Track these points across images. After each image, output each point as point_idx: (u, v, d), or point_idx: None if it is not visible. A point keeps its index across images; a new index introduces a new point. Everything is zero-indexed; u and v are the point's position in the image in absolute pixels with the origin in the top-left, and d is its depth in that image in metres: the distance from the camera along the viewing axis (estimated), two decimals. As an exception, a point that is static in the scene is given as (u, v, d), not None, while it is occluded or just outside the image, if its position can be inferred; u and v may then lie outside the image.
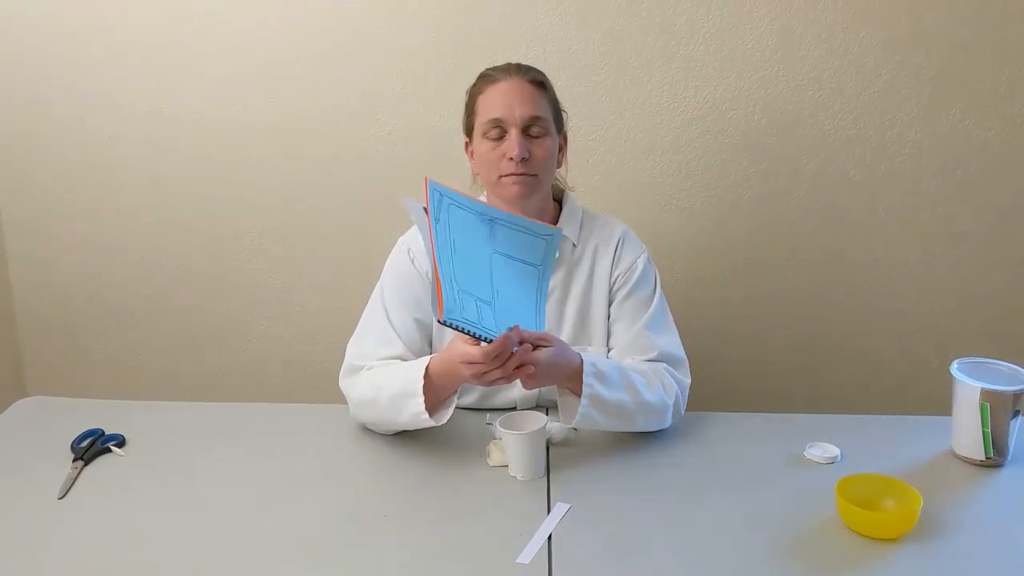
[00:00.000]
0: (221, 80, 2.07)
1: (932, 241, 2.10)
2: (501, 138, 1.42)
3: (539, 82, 1.46)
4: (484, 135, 1.44)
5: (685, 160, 2.06)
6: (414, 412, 1.32)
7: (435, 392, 1.33)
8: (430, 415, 1.32)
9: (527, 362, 1.25)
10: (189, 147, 2.12)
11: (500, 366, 1.23)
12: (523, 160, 1.40)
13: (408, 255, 1.52)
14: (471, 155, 1.51)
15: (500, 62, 1.50)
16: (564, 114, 1.52)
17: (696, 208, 2.09)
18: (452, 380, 1.32)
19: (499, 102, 1.42)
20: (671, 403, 1.42)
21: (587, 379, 1.32)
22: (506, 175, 1.42)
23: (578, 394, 1.33)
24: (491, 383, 1.26)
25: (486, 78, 1.47)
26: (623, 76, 2.01)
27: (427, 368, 1.33)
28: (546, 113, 1.45)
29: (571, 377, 1.33)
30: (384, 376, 1.39)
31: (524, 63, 1.49)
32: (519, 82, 1.44)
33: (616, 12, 1.97)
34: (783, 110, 2.02)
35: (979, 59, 1.97)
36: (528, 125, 1.42)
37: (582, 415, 1.33)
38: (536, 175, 1.42)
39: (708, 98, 2.02)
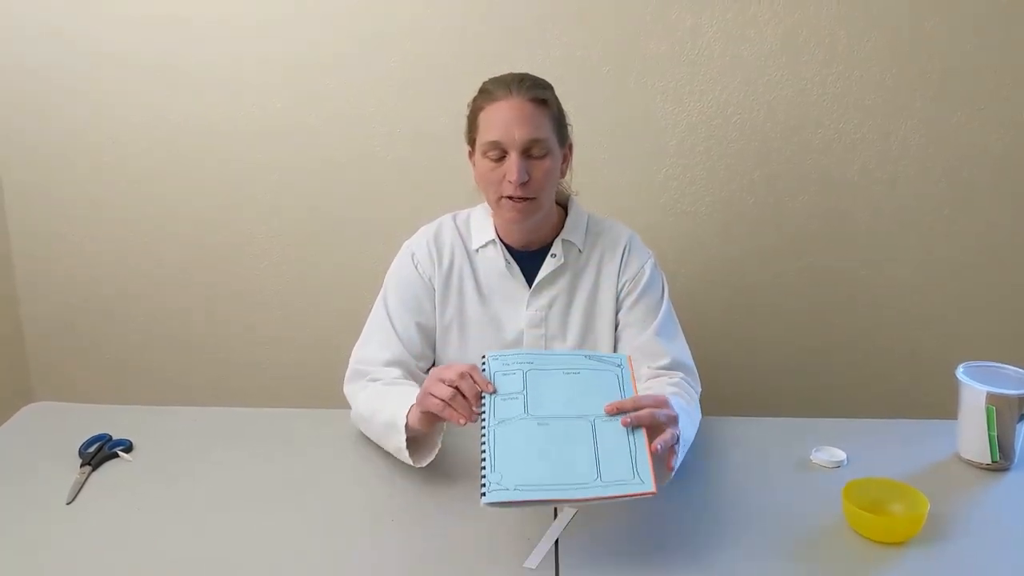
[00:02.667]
0: (225, 85, 2.08)
1: (937, 244, 2.10)
2: (501, 159, 1.40)
3: (540, 99, 1.40)
4: (484, 155, 1.42)
5: (690, 164, 2.06)
6: (397, 446, 1.31)
7: (415, 428, 1.29)
8: (410, 453, 1.29)
9: (666, 426, 1.17)
10: (193, 152, 2.13)
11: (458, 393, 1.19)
12: (522, 184, 1.38)
13: (412, 260, 1.52)
14: (474, 164, 1.51)
15: (504, 67, 1.49)
16: (569, 126, 1.49)
17: (701, 212, 2.10)
18: (423, 418, 1.26)
19: (498, 124, 1.39)
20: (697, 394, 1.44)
21: (681, 423, 1.23)
22: (506, 197, 1.41)
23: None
24: (443, 406, 1.20)
25: (486, 94, 1.43)
26: (627, 81, 2.01)
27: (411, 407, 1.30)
28: (547, 133, 1.40)
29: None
30: (381, 399, 1.37)
31: (528, 73, 1.44)
32: (519, 102, 1.39)
33: (620, 17, 1.97)
34: (787, 114, 2.02)
35: (982, 63, 1.97)
36: (528, 147, 1.39)
37: (678, 461, 1.24)
38: (535, 198, 1.41)
39: (712, 102, 2.02)
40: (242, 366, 2.29)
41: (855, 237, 2.10)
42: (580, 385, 1.20)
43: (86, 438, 1.41)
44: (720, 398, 2.04)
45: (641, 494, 1.10)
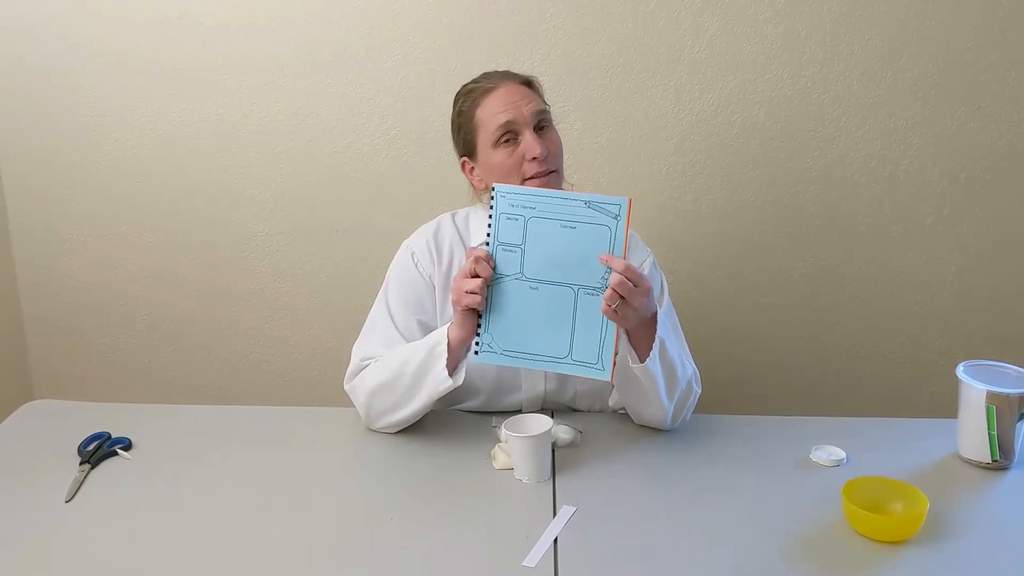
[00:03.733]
0: (225, 85, 2.08)
1: (938, 243, 2.09)
2: (513, 143, 1.42)
3: (529, 83, 1.49)
4: (496, 144, 1.42)
5: (690, 163, 2.06)
6: (436, 376, 1.34)
7: (453, 350, 1.34)
8: (450, 374, 1.34)
9: (639, 281, 1.25)
10: (193, 152, 2.13)
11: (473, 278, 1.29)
12: (544, 158, 1.41)
13: (412, 259, 1.52)
14: (471, 172, 1.51)
15: (504, 67, 1.51)
16: (549, 106, 1.52)
17: (701, 211, 2.09)
18: (463, 319, 1.33)
19: (504, 107, 1.42)
20: (694, 394, 1.45)
21: (661, 321, 1.33)
22: (530, 178, 1.42)
23: (643, 344, 1.33)
24: (463, 294, 1.29)
25: (477, 90, 1.46)
26: (628, 79, 2.01)
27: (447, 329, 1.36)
28: (546, 106, 1.47)
29: (649, 322, 1.33)
30: (405, 352, 1.40)
31: (511, 70, 1.50)
32: (514, 85, 1.45)
33: (620, 15, 1.97)
34: (788, 113, 2.02)
35: (984, 61, 1.97)
36: (538, 121, 1.43)
37: (651, 359, 1.32)
38: (556, 171, 1.44)
39: (713, 101, 2.02)
40: (242, 366, 2.29)
41: (855, 236, 2.10)
42: (574, 244, 1.29)
43: (85, 436, 1.41)
44: (719, 397, 2.04)
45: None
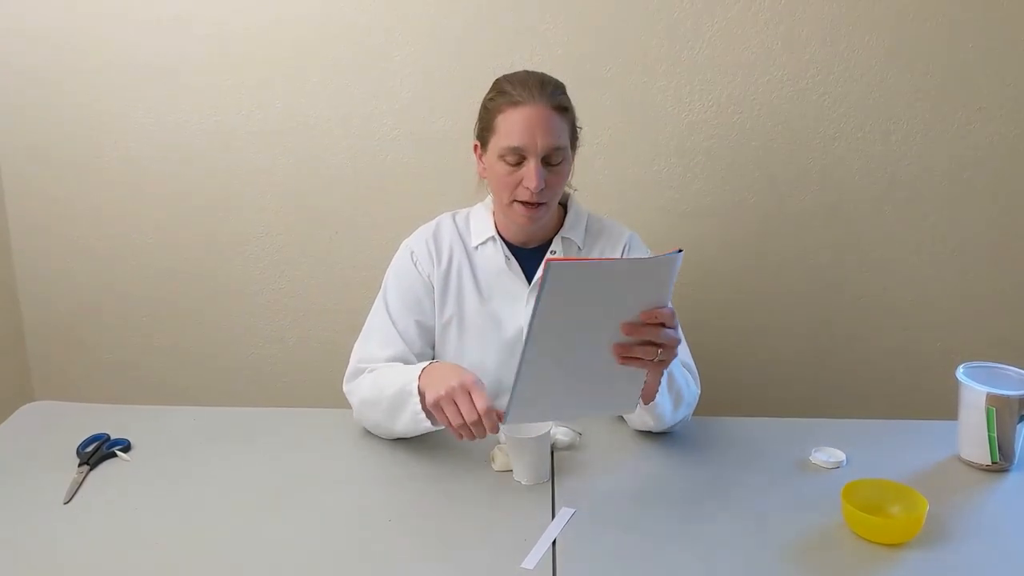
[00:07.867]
0: (225, 85, 2.08)
1: (938, 245, 2.09)
2: (518, 164, 1.39)
3: (562, 107, 1.41)
4: (501, 158, 1.40)
5: (690, 164, 2.06)
6: (413, 413, 1.31)
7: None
8: (427, 415, 1.30)
9: (669, 343, 1.18)
10: (193, 152, 2.13)
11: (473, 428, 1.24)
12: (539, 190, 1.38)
13: (411, 258, 1.52)
14: (480, 158, 1.48)
15: (505, 67, 1.49)
16: (579, 129, 1.48)
17: (701, 212, 2.09)
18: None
19: (520, 130, 1.37)
20: (695, 396, 1.43)
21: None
22: (519, 202, 1.41)
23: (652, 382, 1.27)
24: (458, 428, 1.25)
25: (506, 96, 1.39)
26: (627, 80, 2.01)
27: (423, 370, 1.31)
28: (566, 140, 1.41)
29: None
30: (385, 376, 1.39)
31: (545, 74, 1.43)
32: (543, 109, 1.37)
33: (621, 16, 1.97)
34: (788, 114, 2.02)
35: (984, 62, 1.96)
36: (548, 155, 1.38)
37: (660, 392, 1.28)
38: (545, 204, 1.41)
39: (713, 102, 2.02)
40: (241, 367, 2.29)
41: (855, 237, 2.10)
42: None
43: (84, 438, 1.41)
44: (719, 398, 2.04)
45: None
